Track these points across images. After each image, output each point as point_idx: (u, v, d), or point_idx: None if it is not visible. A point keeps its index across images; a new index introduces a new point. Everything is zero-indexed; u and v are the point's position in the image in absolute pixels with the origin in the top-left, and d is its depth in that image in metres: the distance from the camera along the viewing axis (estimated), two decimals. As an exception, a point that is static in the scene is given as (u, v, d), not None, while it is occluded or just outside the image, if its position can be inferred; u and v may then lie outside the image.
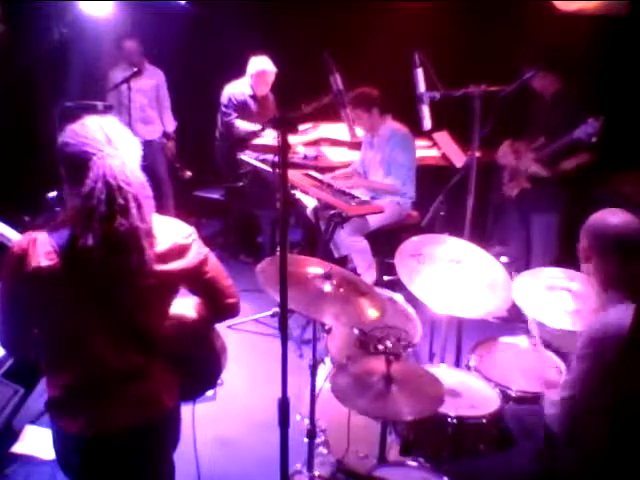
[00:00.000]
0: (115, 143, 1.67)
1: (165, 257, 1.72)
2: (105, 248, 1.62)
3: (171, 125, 5.73)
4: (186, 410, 2.01)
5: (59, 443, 1.83)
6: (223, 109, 5.28)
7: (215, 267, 1.87)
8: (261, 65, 5.17)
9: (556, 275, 2.71)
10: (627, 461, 1.95)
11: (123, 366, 1.75)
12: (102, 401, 1.75)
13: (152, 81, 5.49)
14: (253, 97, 5.30)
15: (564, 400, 2.01)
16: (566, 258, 2.84)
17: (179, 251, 1.76)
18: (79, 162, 1.63)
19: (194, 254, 1.79)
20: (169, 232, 1.76)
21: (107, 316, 1.71)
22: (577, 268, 2.71)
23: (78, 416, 1.74)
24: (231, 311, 1.94)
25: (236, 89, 5.28)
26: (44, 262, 1.62)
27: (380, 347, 2.65)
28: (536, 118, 3.98)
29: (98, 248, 1.61)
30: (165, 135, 5.70)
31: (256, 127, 5.11)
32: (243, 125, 5.20)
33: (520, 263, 3.97)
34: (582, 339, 2.01)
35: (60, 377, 1.77)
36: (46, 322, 1.72)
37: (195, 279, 1.83)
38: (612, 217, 2.08)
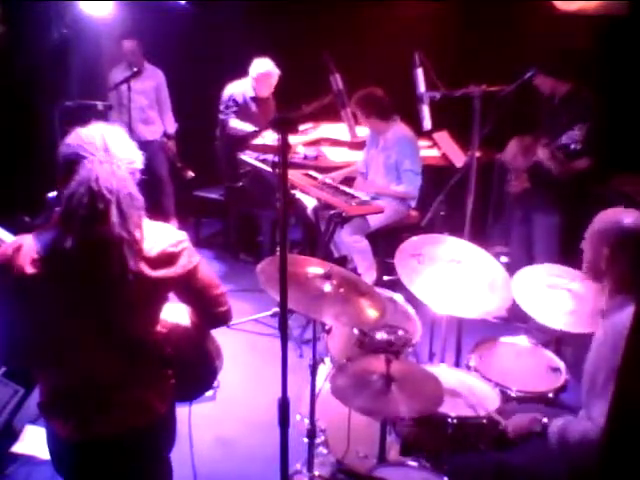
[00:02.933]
0: (111, 151, 1.65)
1: (153, 265, 1.70)
2: (84, 253, 1.61)
3: (172, 126, 5.74)
4: (183, 411, 2.01)
5: (52, 445, 1.84)
6: (221, 107, 5.28)
7: (205, 276, 1.84)
8: (264, 67, 5.15)
9: (557, 272, 2.70)
10: (624, 458, 1.92)
11: (112, 373, 1.74)
12: (91, 407, 1.74)
13: (152, 82, 5.49)
14: (254, 98, 5.29)
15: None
16: (567, 258, 2.84)
17: (167, 259, 1.73)
18: (70, 163, 1.64)
19: (183, 263, 1.76)
20: (158, 240, 1.73)
21: (93, 323, 1.69)
22: (579, 268, 2.72)
23: (68, 420, 1.74)
24: (221, 320, 1.92)
25: (237, 89, 5.27)
26: (28, 269, 1.61)
27: (380, 347, 2.65)
28: (545, 119, 3.97)
29: (77, 252, 1.60)
30: (166, 135, 5.71)
31: (250, 127, 5.12)
32: (237, 125, 5.20)
33: (521, 263, 3.97)
34: (609, 351, 1.95)
35: (49, 382, 1.78)
36: (32, 328, 1.70)
37: (184, 288, 1.81)
38: (627, 217, 2.05)
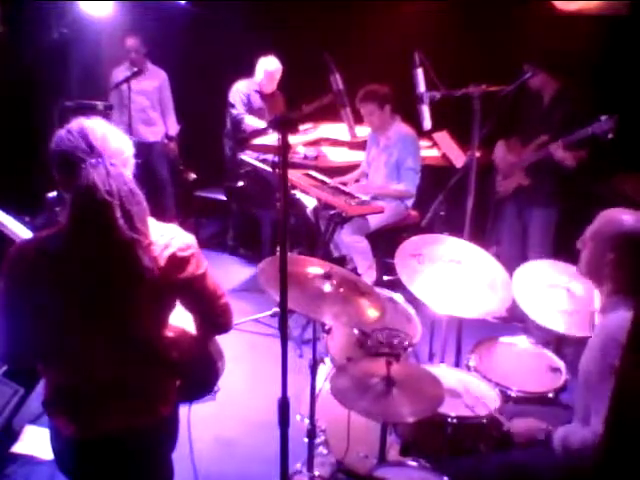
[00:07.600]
0: (97, 149, 1.63)
1: (162, 268, 1.70)
2: (96, 257, 1.62)
3: (174, 128, 5.67)
4: (183, 411, 2.01)
5: (55, 444, 1.84)
6: (233, 103, 5.33)
7: (211, 284, 1.83)
8: (270, 65, 5.26)
9: (559, 270, 2.70)
10: (623, 462, 1.93)
11: (117, 373, 1.75)
12: (95, 406, 1.75)
13: (154, 82, 5.46)
14: (260, 95, 5.38)
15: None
16: (562, 254, 2.85)
17: (177, 264, 1.73)
18: (63, 169, 1.64)
19: (191, 269, 1.75)
20: (168, 243, 1.72)
21: (101, 323, 1.70)
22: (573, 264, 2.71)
23: (71, 418, 1.75)
24: (222, 329, 1.91)
25: (243, 87, 5.36)
26: (39, 267, 1.63)
27: (380, 348, 2.65)
28: (532, 117, 3.97)
29: (90, 256, 1.62)
30: (167, 137, 5.65)
31: (264, 125, 5.16)
32: (253, 122, 5.24)
33: (513, 260, 3.96)
34: (599, 352, 1.95)
35: (54, 380, 1.78)
36: (40, 325, 1.70)
37: (189, 293, 1.80)
38: (630, 220, 2.04)
